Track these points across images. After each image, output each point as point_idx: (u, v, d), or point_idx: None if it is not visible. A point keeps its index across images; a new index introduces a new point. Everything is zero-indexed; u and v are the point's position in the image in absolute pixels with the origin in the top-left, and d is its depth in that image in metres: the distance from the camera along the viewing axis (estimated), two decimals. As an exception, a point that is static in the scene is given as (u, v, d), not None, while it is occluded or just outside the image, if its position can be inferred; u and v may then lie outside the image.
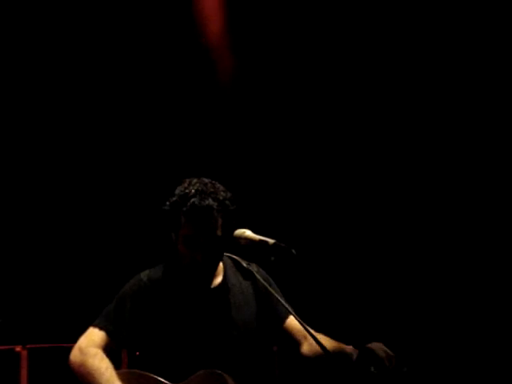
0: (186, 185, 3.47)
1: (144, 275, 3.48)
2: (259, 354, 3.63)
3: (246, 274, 3.62)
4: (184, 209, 3.40)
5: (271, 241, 3.36)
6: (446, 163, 6.34)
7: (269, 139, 6.47)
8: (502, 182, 6.20)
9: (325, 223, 6.40)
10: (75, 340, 5.17)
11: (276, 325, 3.60)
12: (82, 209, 6.38)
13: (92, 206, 6.41)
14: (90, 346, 3.38)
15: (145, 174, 6.51)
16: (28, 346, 5.32)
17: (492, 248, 6.19)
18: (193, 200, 3.40)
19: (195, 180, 3.49)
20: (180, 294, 3.47)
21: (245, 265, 3.60)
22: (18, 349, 5.32)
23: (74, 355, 3.39)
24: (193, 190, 3.43)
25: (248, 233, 3.44)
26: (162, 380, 3.34)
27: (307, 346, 3.55)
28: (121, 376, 3.32)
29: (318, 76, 6.48)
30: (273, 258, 3.32)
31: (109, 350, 3.40)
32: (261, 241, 3.39)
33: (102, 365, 3.32)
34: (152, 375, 3.34)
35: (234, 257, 3.62)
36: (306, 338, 3.57)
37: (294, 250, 3.29)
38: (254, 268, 3.61)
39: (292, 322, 3.58)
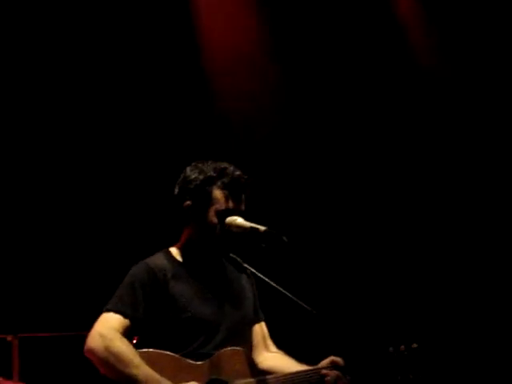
0: (209, 163, 3.49)
1: (151, 262, 3.43)
2: None
3: (240, 270, 3.66)
4: (225, 181, 3.43)
5: (262, 228, 3.36)
6: (448, 156, 6.36)
7: (264, 130, 6.48)
8: (503, 180, 6.23)
9: (317, 209, 6.41)
10: (67, 329, 5.16)
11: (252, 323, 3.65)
12: (68, 200, 6.35)
13: (78, 197, 6.38)
14: (110, 330, 3.27)
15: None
16: (19, 335, 5.31)
17: (492, 246, 6.20)
18: (237, 173, 3.46)
19: (210, 160, 3.52)
20: (199, 276, 3.48)
21: (240, 261, 3.63)
22: (9, 338, 5.30)
23: (95, 340, 3.25)
24: (226, 165, 3.47)
25: (239, 220, 3.44)
26: (185, 359, 3.31)
27: (265, 359, 3.61)
28: (143, 355, 3.27)
29: (315, 73, 6.51)
30: (264, 245, 3.34)
31: (127, 334, 3.30)
32: (252, 228, 3.39)
33: (129, 349, 3.25)
34: (174, 354, 3.31)
35: (231, 254, 3.63)
36: (267, 348, 3.65)
37: (285, 237, 3.30)
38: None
39: (263, 327, 3.67)
